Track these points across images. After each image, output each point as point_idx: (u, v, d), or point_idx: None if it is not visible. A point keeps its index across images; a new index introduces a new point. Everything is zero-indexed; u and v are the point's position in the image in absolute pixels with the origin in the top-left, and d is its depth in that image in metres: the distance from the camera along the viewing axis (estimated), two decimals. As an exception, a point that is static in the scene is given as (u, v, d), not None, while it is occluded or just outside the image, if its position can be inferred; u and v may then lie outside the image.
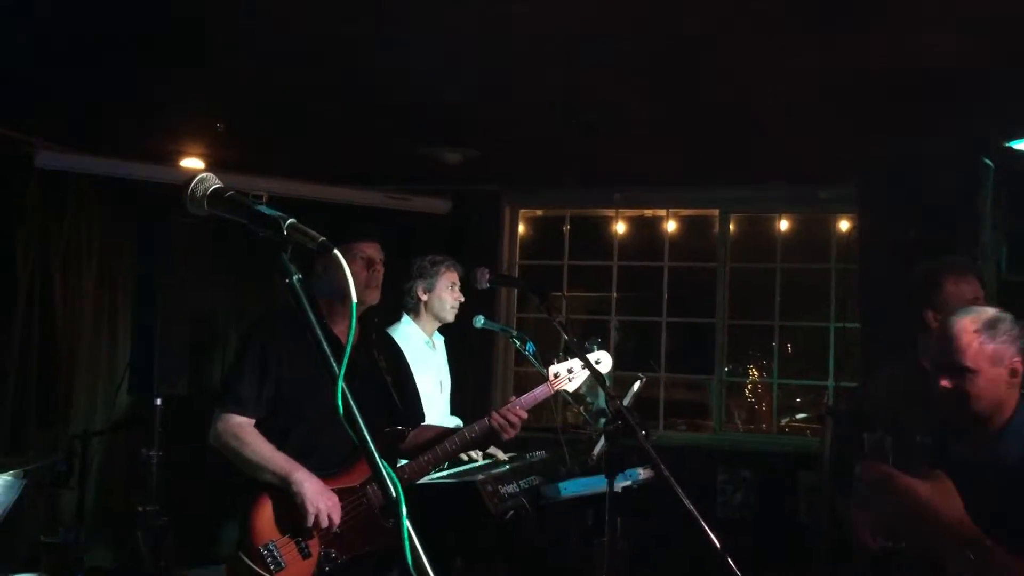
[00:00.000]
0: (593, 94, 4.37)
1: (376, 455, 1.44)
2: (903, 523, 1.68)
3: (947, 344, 2.52)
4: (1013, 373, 2.50)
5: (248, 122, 5.08)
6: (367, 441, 1.43)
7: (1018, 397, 2.52)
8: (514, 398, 3.29)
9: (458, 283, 4.37)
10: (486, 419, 3.21)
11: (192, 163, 5.68)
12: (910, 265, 3.32)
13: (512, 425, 3.19)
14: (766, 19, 3.41)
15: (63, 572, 3.97)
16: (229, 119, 4.98)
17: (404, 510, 1.40)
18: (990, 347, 2.47)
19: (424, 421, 3.45)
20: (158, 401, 4.74)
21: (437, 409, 4.15)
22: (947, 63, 3.72)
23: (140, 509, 4.61)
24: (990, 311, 2.57)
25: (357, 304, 3.21)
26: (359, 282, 3.17)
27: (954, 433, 2.60)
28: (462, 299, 4.37)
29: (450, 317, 4.36)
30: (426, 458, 3.18)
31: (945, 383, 2.52)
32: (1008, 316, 2.55)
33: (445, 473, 3.73)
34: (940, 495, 1.67)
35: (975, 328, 2.51)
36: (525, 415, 3.23)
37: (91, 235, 5.68)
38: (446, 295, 4.32)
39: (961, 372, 2.49)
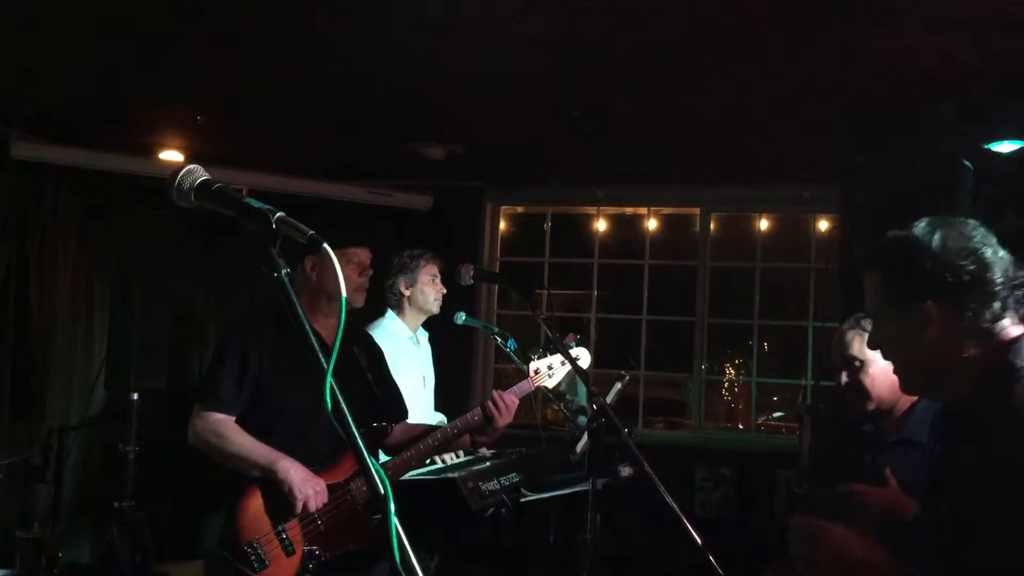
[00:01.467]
0: (577, 93, 4.37)
1: (363, 449, 1.43)
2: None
3: (838, 342, 2.93)
4: None
5: (229, 115, 5.04)
6: (355, 437, 1.42)
7: None
8: (497, 393, 3.29)
9: (438, 275, 4.36)
10: (469, 414, 3.21)
11: (172, 156, 5.63)
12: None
13: (508, 408, 3.17)
14: (750, 21, 3.43)
15: (38, 567, 3.93)
16: (209, 112, 4.94)
17: (392, 507, 1.39)
18: None
19: (407, 417, 3.45)
20: (135, 396, 4.70)
21: (420, 405, 4.14)
22: (928, 66, 3.75)
23: (116, 504, 4.57)
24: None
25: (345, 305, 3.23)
26: (350, 285, 3.20)
27: (871, 419, 2.93)
28: (444, 291, 4.35)
29: (435, 309, 4.35)
30: (409, 454, 3.18)
31: (843, 377, 2.89)
32: None
33: (425, 470, 3.72)
34: (870, 548, 1.69)
35: (860, 328, 2.85)
36: (516, 401, 3.23)
37: (68, 227, 5.62)
38: (428, 288, 4.30)
39: (850, 364, 2.87)
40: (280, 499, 2.94)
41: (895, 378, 2.55)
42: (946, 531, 1.66)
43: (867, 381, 2.86)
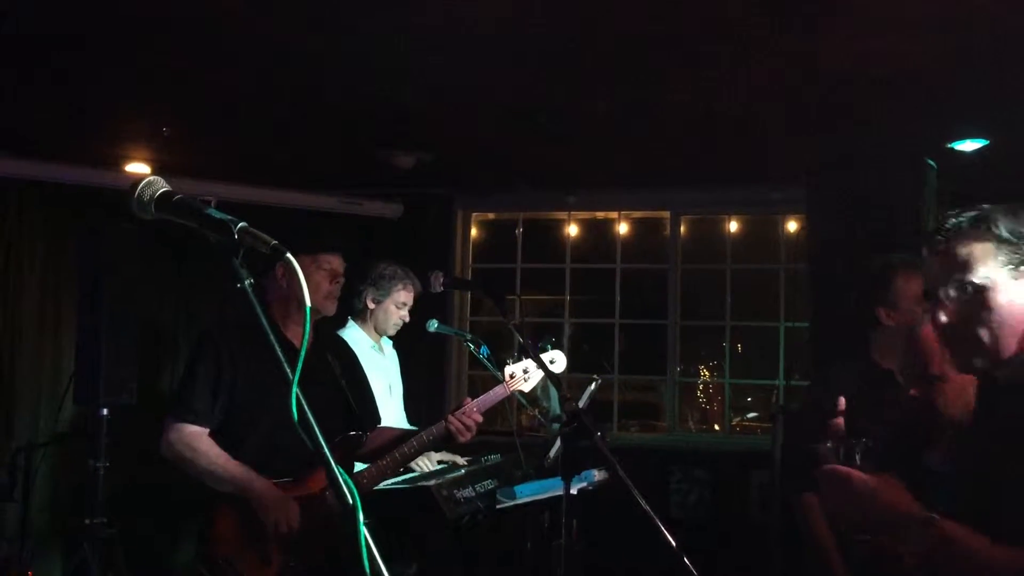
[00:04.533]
0: (545, 97, 4.38)
1: (332, 461, 1.42)
2: (864, 518, 1.80)
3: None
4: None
5: (196, 126, 5.00)
6: (323, 447, 1.41)
7: None
8: (469, 399, 3.28)
9: (410, 303, 4.28)
10: (443, 422, 3.20)
11: (138, 168, 5.57)
12: (858, 264, 3.38)
13: (468, 428, 3.19)
14: (718, 22, 3.45)
15: (7, 588, 3.88)
16: (176, 123, 4.90)
17: (361, 517, 1.38)
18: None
19: (379, 423, 3.43)
20: (104, 411, 4.63)
21: (388, 413, 4.11)
22: (891, 65, 3.78)
23: (87, 521, 4.50)
24: None
25: (314, 313, 3.22)
26: (320, 292, 3.17)
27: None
28: (407, 319, 4.30)
29: (391, 332, 4.31)
30: (384, 462, 3.16)
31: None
32: None
33: (400, 479, 3.70)
34: (890, 488, 1.77)
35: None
36: (480, 418, 3.22)
37: (33, 241, 5.54)
38: (393, 311, 4.24)
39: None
40: (252, 517, 2.92)
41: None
42: (975, 479, 1.79)
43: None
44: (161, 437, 3.06)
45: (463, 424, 3.17)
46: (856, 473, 1.84)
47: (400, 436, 3.27)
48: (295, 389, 1.39)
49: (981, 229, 1.85)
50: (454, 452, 4.33)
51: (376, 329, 4.28)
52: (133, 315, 4.91)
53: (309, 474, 3.02)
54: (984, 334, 1.84)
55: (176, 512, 5.14)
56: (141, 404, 4.91)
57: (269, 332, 1.46)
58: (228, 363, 3.06)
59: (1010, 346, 1.83)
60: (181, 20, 3.52)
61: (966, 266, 1.83)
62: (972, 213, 1.87)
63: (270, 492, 2.93)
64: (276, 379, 1.46)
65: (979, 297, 1.83)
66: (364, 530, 1.38)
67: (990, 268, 1.82)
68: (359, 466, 3.27)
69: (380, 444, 3.26)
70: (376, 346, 4.30)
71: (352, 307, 4.26)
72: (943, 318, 1.87)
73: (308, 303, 1.47)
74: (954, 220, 1.88)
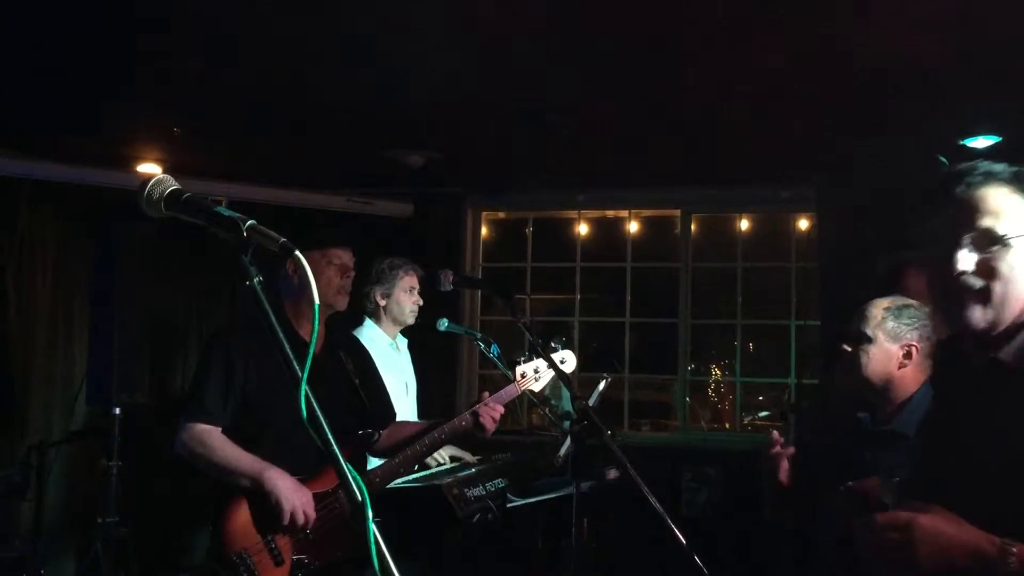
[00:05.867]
0: (555, 96, 4.38)
1: (340, 459, 1.42)
2: (934, 565, 1.55)
3: (858, 315, 2.76)
4: (907, 354, 2.66)
5: (206, 126, 5.02)
6: (331, 444, 1.41)
7: (923, 380, 2.65)
8: (487, 393, 3.28)
9: (417, 286, 4.32)
10: (456, 419, 3.21)
11: (149, 168, 5.60)
12: (868, 262, 3.36)
13: (494, 421, 3.20)
14: (729, 20, 3.44)
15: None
16: (186, 123, 4.92)
17: (370, 514, 1.38)
18: (891, 323, 2.68)
19: (395, 419, 3.44)
20: (117, 410, 4.66)
21: (403, 411, 4.13)
22: (904, 63, 3.77)
23: (100, 520, 4.53)
24: (909, 301, 2.75)
25: (327, 308, 3.23)
26: (332, 287, 3.18)
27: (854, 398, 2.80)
28: (420, 303, 4.33)
29: (410, 320, 4.33)
30: (397, 460, 3.17)
31: (845, 347, 2.75)
32: (924, 309, 2.70)
33: (411, 477, 3.71)
34: (951, 523, 1.57)
35: (886, 306, 2.72)
36: (503, 410, 3.23)
37: (45, 242, 5.57)
38: (404, 299, 4.27)
39: (859, 338, 2.71)
40: (268, 509, 2.92)
41: (890, 366, 2.59)
42: (956, 457, 1.67)
43: (863, 359, 2.71)
44: (175, 437, 3.07)
45: (491, 417, 3.19)
46: (916, 517, 1.58)
47: (421, 430, 3.27)
48: (303, 386, 1.39)
49: (1015, 181, 1.72)
50: (464, 450, 4.35)
51: (394, 322, 4.31)
52: (145, 315, 4.93)
53: (321, 472, 3.02)
54: (997, 291, 1.68)
55: (188, 511, 5.17)
56: (153, 403, 4.94)
57: (277, 329, 1.46)
58: (240, 362, 3.06)
59: (1013, 311, 1.69)
60: (192, 21, 3.53)
61: (997, 214, 1.69)
62: (1003, 164, 1.73)
63: (285, 480, 2.93)
64: (289, 377, 1.46)
65: (1003, 251, 1.68)
66: (374, 527, 1.38)
67: (1019, 222, 1.69)
68: (375, 462, 3.29)
69: (399, 438, 3.27)
70: (393, 344, 4.32)
71: (365, 308, 4.28)
72: (963, 266, 1.68)
73: (316, 300, 1.47)
74: (985, 167, 1.73)
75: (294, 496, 2.91)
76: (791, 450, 2.82)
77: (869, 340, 2.71)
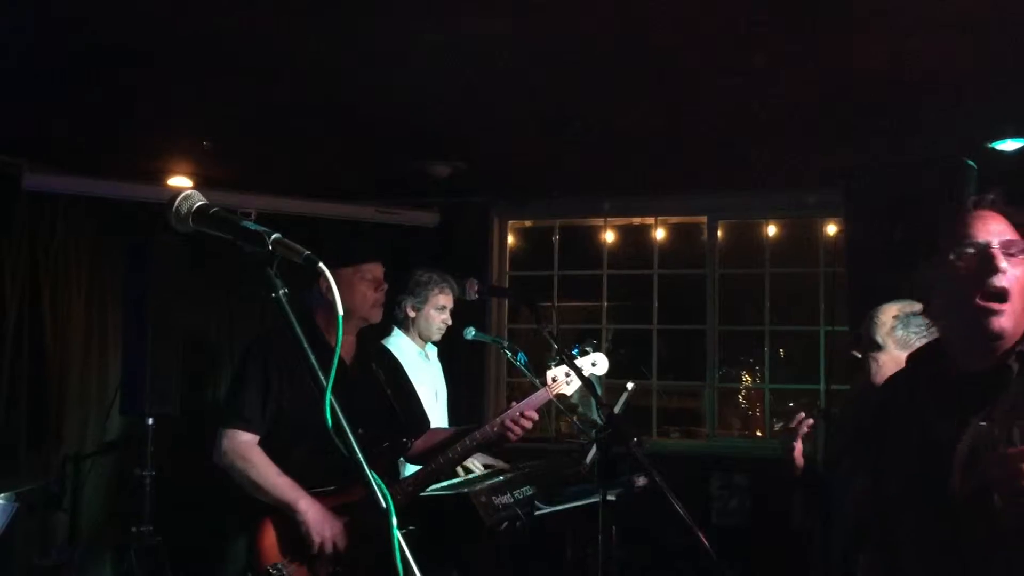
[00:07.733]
0: (580, 104, 4.39)
1: (365, 466, 1.44)
2: None
3: (869, 321, 2.87)
4: None
5: (235, 140, 5.08)
6: (356, 453, 1.44)
7: None
8: (515, 403, 3.30)
9: (450, 306, 4.31)
10: (488, 425, 3.23)
11: (180, 181, 5.68)
12: (897, 267, 3.33)
13: (524, 428, 3.22)
14: (749, 25, 3.44)
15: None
16: (216, 137, 4.98)
17: (395, 522, 1.40)
18: (900, 331, 2.77)
19: (428, 427, 3.47)
20: (150, 421, 4.72)
21: (435, 418, 4.15)
22: (929, 65, 3.75)
23: (133, 530, 4.58)
24: (917, 307, 2.77)
25: (361, 321, 3.27)
26: (367, 302, 3.21)
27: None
28: (449, 323, 4.34)
29: (436, 337, 4.35)
30: (429, 469, 3.20)
31: (855, 352, 2.88)
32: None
33: (441, 485, 3.73)
34: None
35: (895, 313, 2.81)
36: (536, 416, 3.26)
37: (80, 256, 5.66)
38: (434, 316, 4.28)
39: (870, 345, 2.82)
40: (299, 534, 2.97)
41: None
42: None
43: (874, 366, 2.81)
44: (215, 445, 3.10)
45: (520, 426, 3.21)
46: None
47: (455, 435, 3.30)
48: (328, 396, 1.42)
49: None
50: (496, 457, 4.36)
51: (420, 336, 4.33)
52: (178, 327, 5.00)
53: (354, 481, 3.04)
54: (1017, 300, 1.74)
55: (221, 521, 5.21)
56: (184, 414, 5.00)
57: (302, 340, 1.48)
58: (276, 372, 3.10)
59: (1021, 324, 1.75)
60: (221, 37, 3.58)
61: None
62: None
63: (316, 514, 2.96)
64: (314, 387, 1.49)
65: None
66: (398, 535, 1.40)
67: None
68: (411, 468, 3.31)
69: (435, 443, 3.32)
70: (422, 353, 4.35)
71: (394, 317, 4.30)
72: (1006, 268, 1.74)
73: (340, 311, 1.49)
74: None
75: (324, 528, 2.95)
76: (811, 421, 2.95)
77: (879, 347, 2.80)
